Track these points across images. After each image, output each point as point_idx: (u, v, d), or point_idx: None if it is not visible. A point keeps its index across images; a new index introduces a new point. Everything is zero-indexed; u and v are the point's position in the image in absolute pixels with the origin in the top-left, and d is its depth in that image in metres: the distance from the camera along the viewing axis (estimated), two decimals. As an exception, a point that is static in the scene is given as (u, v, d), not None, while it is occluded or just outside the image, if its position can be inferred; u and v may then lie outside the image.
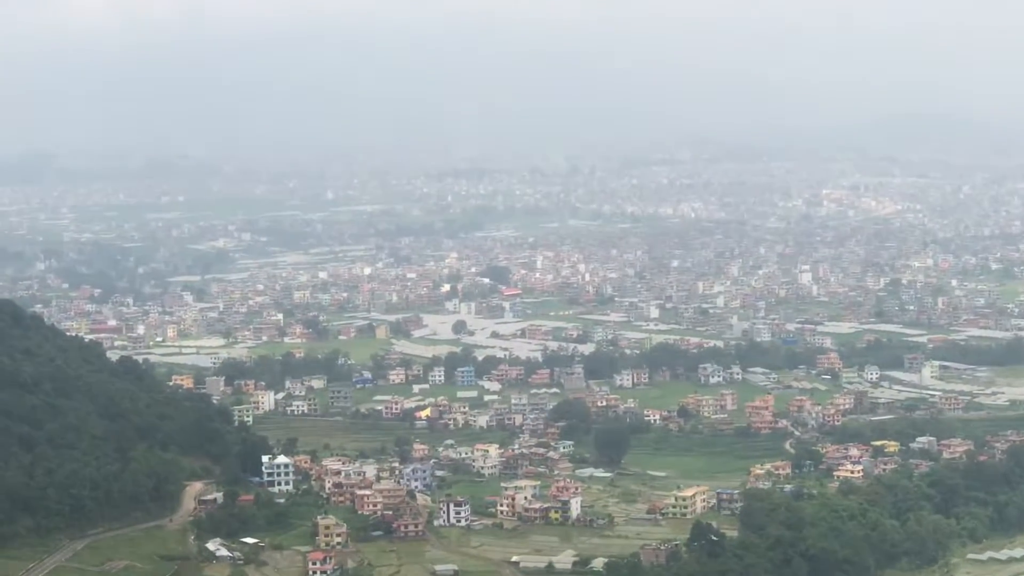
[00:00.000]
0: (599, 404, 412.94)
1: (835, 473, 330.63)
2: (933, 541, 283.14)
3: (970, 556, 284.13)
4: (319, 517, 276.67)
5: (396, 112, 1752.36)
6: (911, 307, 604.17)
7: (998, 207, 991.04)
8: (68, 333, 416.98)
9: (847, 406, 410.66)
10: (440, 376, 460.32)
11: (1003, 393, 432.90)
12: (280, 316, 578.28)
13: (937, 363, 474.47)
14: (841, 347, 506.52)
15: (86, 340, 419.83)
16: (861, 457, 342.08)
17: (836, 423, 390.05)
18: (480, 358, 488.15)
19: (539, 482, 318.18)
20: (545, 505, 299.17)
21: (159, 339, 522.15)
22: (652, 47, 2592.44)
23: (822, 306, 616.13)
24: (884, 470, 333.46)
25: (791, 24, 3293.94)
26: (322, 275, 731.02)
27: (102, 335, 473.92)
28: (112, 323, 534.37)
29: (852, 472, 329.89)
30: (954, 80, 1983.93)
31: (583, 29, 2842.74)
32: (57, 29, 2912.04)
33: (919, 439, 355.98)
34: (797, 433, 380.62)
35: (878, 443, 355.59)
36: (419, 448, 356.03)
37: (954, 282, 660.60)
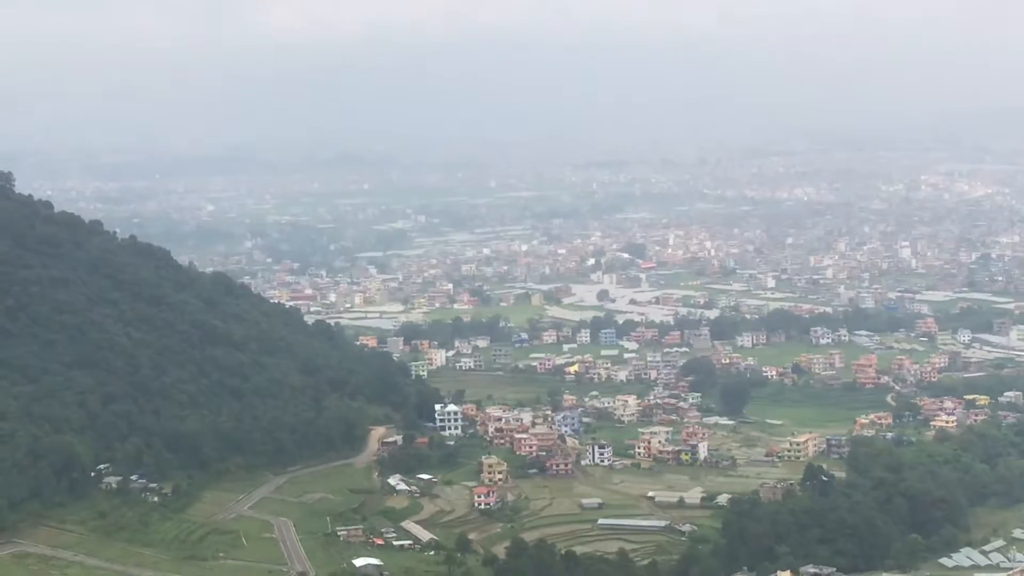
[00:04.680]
0: (723, 362, 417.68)
1: (931, 423, 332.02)
2: (1019, 483, 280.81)
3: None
4: (483, 457, 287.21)
5: (548, 110, 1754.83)
6: (1000, 278, 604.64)
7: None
8: (271, 300, 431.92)
9: (942, 364, 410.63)
10: (586, 337, 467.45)
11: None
12: (450, 286, 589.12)
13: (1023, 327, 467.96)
14: (937, 313, 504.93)
15: (286, 306, 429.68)
16: (955, 409, 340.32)
17: (932, 379, 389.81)
18: (620, 321, 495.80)
19: (671, 428, 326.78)
20: (676, 448, 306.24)
21: (347, 305, 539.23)
22: (771, 44, 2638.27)
23: (920, 277, 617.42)
24: (975, 421, 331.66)
25: (901, 21, 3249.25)
26: (486, 251, 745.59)
27: (299, 302, 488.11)
28: (308, 292, 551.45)
29: (947, 423, 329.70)
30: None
31: (707, 32, 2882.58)
32: (260, 39, 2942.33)
33: (1006, 393, 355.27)
34: (897, 388, 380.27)
35: (970, 397, 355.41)
36: (568, 398, 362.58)
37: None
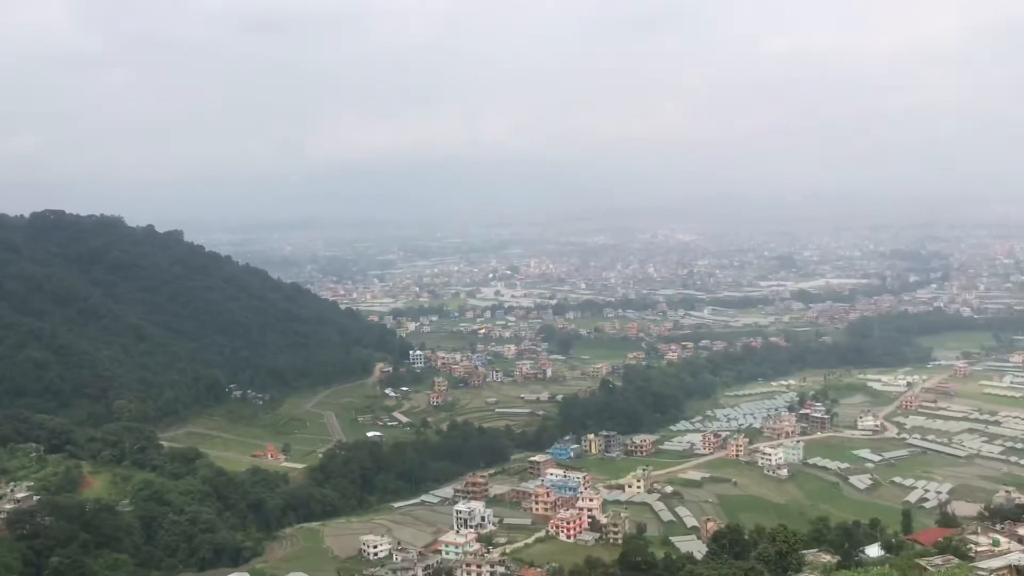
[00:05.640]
0: (559, 327, 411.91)
1: (665, 357, 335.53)
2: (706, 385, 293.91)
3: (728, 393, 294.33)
4: (435, 378, 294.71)
5: (478, 197, 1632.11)
6: (698, 282, 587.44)
7: None
8: (322, 298, 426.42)
9: (670, 327, 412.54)
10: (489, 314, 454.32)
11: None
12: (417, 289, 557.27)
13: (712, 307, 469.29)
14: (666, 300, 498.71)
15: (330, 300, 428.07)
16: (677, 349, 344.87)
17: (665, 334, 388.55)
18: (506, 306, 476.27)
19: (532, 361, 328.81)
20: (535, 371, 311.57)
21: (363, 299, 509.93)
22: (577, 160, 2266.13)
23: (658, 283, 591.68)
24: (688, 355, 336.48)
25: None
26: (436, 270, 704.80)
27: (337, 298, 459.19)
28: (341, 292, 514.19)
29: (673, 356, 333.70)
30: None
31: (545, 153, 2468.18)
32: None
33: (703, 341, 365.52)
34: (647, 339, 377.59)
35: (685, 343, 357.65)
36: (480, 347, 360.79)
37: None
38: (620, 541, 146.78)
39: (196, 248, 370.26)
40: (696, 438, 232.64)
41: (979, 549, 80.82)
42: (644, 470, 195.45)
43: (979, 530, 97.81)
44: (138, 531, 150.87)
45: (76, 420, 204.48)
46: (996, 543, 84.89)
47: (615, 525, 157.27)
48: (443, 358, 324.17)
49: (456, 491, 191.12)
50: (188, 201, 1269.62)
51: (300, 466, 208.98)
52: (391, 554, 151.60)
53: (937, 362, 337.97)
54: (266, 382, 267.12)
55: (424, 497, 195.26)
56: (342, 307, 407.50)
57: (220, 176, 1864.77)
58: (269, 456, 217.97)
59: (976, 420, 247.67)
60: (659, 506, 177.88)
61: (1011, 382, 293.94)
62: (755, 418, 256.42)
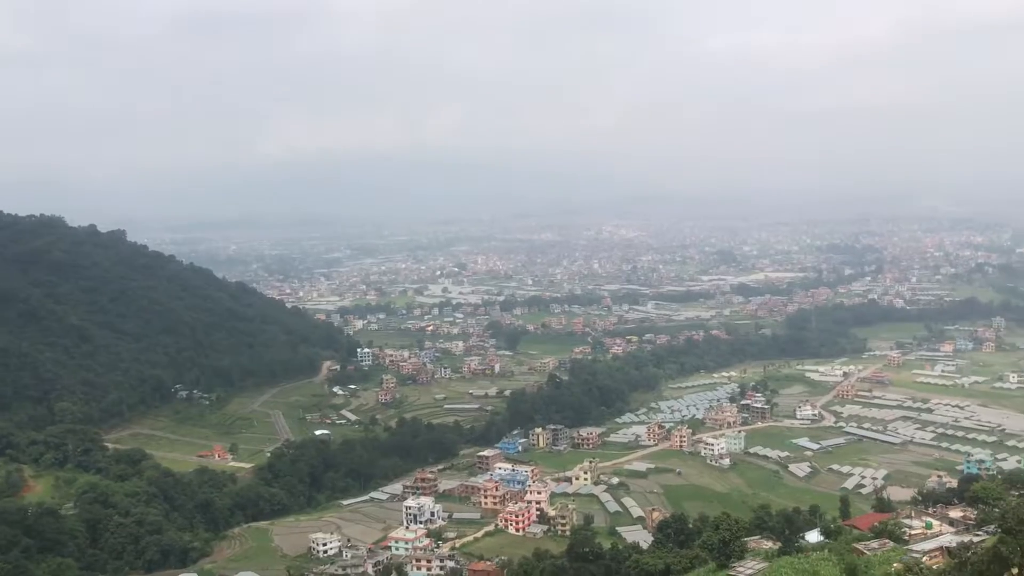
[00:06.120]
0: (507, 322, 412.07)
1: (610, 351, 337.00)
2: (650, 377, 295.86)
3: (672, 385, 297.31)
4: (383, 375, 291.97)
5: (420, 196, 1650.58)
6: (641, 277, 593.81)
7: None
8: (267, 296, 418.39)
9: (614, 321, 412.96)
10: (437, 311, 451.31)
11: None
12: (364, 287, 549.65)
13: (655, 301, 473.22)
14: (611, 295, 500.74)
15: (276, 299, 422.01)
16: (621, 343, 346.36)
17: (610, 328, 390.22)
18: (454, 303, 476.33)
19: (480, 357, 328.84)
20: (483, 367, 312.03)
21: (309, 298, 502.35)
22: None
23: (603, 278, 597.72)
24: (631, 349, 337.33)
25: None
26: (383, 268, 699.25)
27: (283, 297, 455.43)
28: (287, 291, 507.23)
29: (618, 350, 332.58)
30: None
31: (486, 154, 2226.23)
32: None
33: (646, 335, 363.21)
34: (593, 333, 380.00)
35: (629, 337, 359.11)
36: (428, 344, 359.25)
37: None
38: (568, 532, 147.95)
39: (139, 248, 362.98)
40: (641, 430, 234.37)
41: (913, 532, 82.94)
42: (591, 462, 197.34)
43: (913, 514, 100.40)
44: (83, 534, 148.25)
45: (17, 423, 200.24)
46: (929, 526, 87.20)
47: (563, 517, 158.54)
48: (391, 355, 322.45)
49: (405, 487, 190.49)
50: (131, 201, 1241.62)
51: (248, 465, 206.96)
52: (341, 551, 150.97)
53: (872, 352, 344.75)
54: (212, 382, 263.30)
55: (373, 494, 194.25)
56: (288, 306, 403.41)
57: (163, 176, 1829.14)
58: (216, 456, 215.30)
59: (909, 408, 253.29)
60: (606, 497, 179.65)
61: (942, 371, 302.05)
62: (698, 409, 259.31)
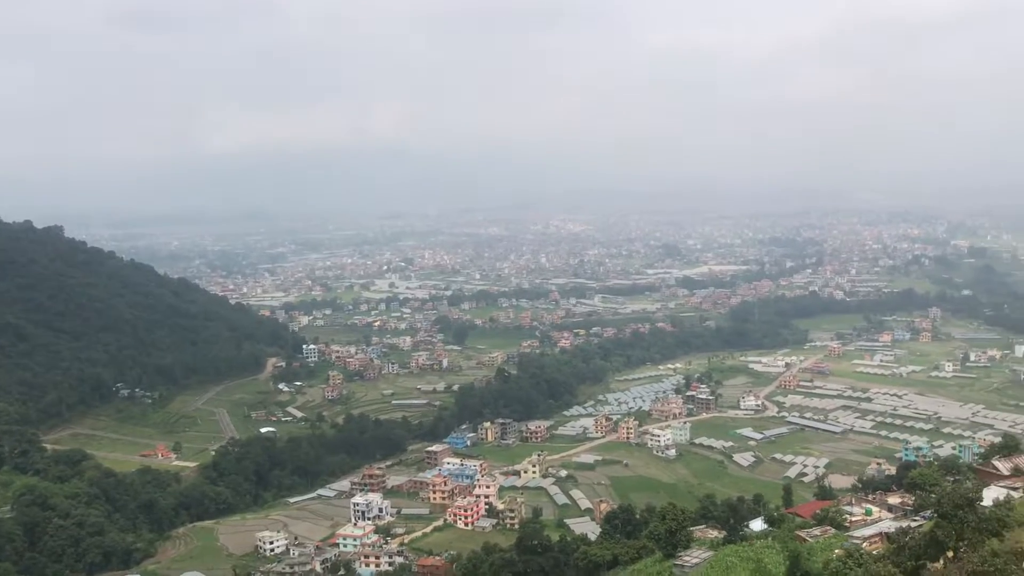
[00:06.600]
0: (454, 317, 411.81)
1: (558, 344, 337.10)
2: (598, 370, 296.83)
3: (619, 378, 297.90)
4: (330, 372, 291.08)
5: (366, 188, 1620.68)
6: (589, 271, 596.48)
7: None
8: (211, 292, 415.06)
9: (562, 314, 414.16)
10: (384, 306, 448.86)
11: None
12: (310, 282, 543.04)
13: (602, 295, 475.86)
14: (559, 289, 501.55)
15: (219, 295, 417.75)
16: (569, 336, 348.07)
17: (557, 322, 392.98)
18: (401, 298, 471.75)
19: (428, 352, 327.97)
20: (431, 362, 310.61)
21: (254, 294, 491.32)
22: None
23: (550, 272, 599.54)
24: (579, 342, 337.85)
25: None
26: (328, 263, 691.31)
27: (226, 293, 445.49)
28: (231, 287, 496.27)
29: (566, 343, 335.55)
30: None
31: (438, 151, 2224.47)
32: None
33: (593, 328, 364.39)
34: (541, 327, 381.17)
35: (577, 331, 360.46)
36: (375, 339, 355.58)
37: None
38: (517, 526, 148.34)
39: (77, 244, 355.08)
40: (589, 422, 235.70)
41: (853, 519, 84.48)
42: (539, 455, 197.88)
43: (853, 501, 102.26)
44: (20, 538, 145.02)
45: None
46: (869, 512, 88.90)
47: (512, 510, 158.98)
48: (337, 351, 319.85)
49: (353, 484, 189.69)
50: (68, 196, 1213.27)
51: (192, 464, 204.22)
52: (288, 549, 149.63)
53: (813, 343, 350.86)
54: (154, 380, 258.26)
55: (320, 491, 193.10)
56: (232, 302, 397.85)
57: (102, 171, 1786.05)
58: (159, 455, 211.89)
59: (849, 397, 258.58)
60: (554, 490, 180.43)
61: (881, 361, 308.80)
62: (644, 401, 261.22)
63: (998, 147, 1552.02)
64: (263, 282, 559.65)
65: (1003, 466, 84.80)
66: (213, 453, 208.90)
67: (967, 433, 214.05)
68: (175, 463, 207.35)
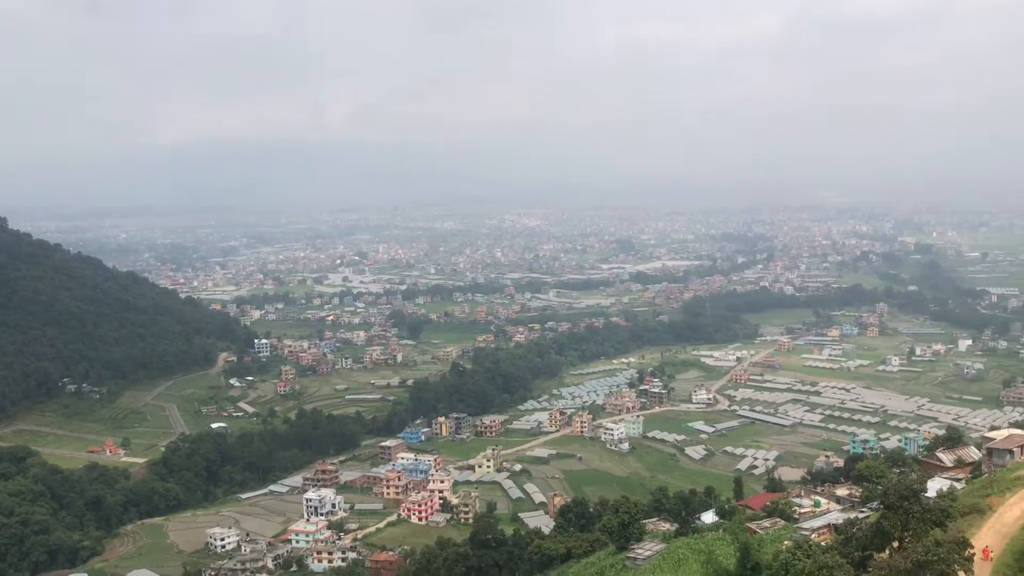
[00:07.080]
0: (409, 311, 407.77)
1: (513, 339, 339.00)
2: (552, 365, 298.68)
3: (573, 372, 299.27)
4: (282, 367, 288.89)
5: (324, 181, 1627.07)
6: (544, 266, 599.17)
7: None
8: (160, 286, 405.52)
9: (517, 309, 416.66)
10: (337, 300, 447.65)
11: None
12: (262, 276, 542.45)
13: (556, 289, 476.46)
14: (514, 284, 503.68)
15: (169, 289, 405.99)
16: (524, 331, 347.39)
17: (512, 316, 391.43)
18: (355, 292, 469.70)
19: (383, 347, 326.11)
20: (385, 357, 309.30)
21: (204, 287, 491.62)
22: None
23: (505, 267, 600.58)
24: (534, 337, 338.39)
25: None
26: (281, 257, 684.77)
27: (177, 286, 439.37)
28: (181, 280, 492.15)
29: (521, 338, 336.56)
30: None
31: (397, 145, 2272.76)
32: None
33: (548, 323, 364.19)
34: (496, 321, 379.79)
35: (532, 325, 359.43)
36: (328, 333, 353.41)
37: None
38: (471, 520, 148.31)
39: (22, 236, 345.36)
40: (543, 416, 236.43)
41: (802, 511, 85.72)
42: (493, 450, 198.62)
43: (802, 493, 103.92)
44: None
45: None
46: (817, 504, 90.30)
47: (466, 505, 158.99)
48: (290, 346, 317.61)
49: (305, 479, 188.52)
50: (12, 188, 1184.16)
51: (141, 460, 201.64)
52: (239, 546, 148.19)
53: (763, 337, 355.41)
54: (102, 375, 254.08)
55: (272, 487, 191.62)
56: (182, 296, 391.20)
57: (47, 162, 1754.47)
58: (107, 452, 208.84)
59: (799, 391, 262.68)
60: (508, 484, 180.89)
61: (829, 355, 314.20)
62: (598, 395, 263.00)
63: (943, 145, 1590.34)
64: (214, 276, 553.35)
65: (947, 458, 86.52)
66: (163, 449, 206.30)
67: (912, 426, 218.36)
68: (123, 459, 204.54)
